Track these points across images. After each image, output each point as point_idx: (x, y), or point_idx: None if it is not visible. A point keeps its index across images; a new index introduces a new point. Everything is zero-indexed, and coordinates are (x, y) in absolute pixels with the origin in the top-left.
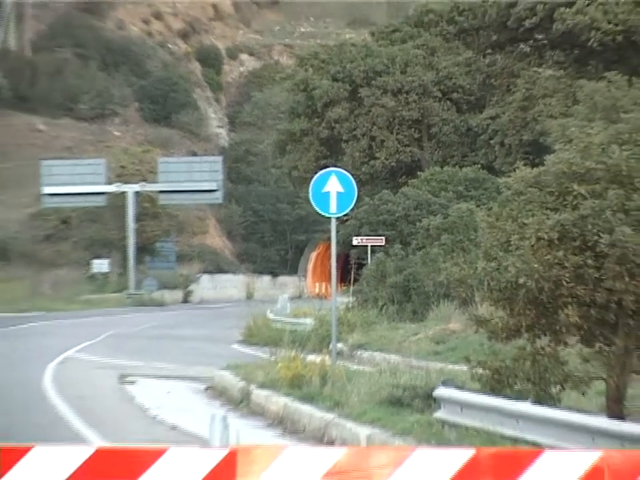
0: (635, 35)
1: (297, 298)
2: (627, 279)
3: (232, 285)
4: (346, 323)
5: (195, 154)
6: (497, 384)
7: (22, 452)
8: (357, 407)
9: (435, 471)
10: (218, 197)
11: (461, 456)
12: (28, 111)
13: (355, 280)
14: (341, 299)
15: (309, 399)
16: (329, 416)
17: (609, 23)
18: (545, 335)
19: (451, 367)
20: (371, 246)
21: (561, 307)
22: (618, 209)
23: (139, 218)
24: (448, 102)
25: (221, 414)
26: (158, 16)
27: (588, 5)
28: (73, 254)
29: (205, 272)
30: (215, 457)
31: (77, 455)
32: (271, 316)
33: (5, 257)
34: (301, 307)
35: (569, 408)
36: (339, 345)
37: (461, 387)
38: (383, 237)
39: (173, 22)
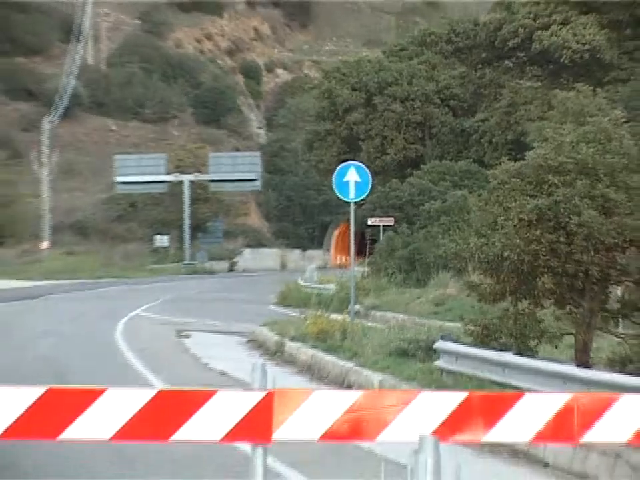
0: (599, 53)
1: (322, 268)
2: (592, 253)
3: (269, 257)
4: (362, 288)
5: (238, 150)
6: (485, 338)
7: (97, 393)
8: (371, 357)
9: (435, 410)
10: (257, 185)
11: (456, 398)
12: (103, 114)
13: (370, 253)
14: (358, 269)
15: (332, 350)
16: (348, 364)
17: (578, 43)
18: (525, 298)
19: (447, 324)
20: (383, 225)
21: (538, 276)
22: (585, 196)
23: (193, 202)
24: (446, 108)
25: (260, 362)
26: (209, 37)
27: (560, 28)
28: (139, 231)
29: (247, 246)
30: (255, 397)
31: (142, 396)
32: (301, 282)
33: (84, 233)
34: (325, 275)
35: (545, 358)
36: (357, 306)
37: (456, 341)
38: (393, 218)
39: (221, 42)
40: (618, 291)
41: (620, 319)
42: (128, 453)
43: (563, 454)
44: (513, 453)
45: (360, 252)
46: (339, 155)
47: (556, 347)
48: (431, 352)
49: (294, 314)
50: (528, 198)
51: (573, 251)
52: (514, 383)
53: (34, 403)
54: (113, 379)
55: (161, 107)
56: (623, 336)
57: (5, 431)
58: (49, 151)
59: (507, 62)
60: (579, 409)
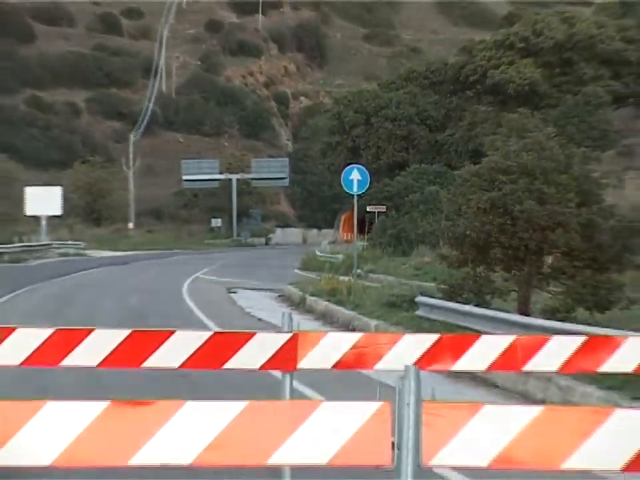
0: (536, 86)
1: (332, 242)
2: (530, 232)
3: (294, 234)
4: (362, 257)
5: (272, 156)
6: (452, 294)
7: (169, 334)
8: (369, 308)
9: (416, 347)
10: (286, 182)
11: (431, 338)
12: (173, 130)
13: (368, 232)
14: (359, 243)
15: (340, 303)
16: (352, 313)
17: (520, 79)
18: (481, 265)
19: (425, 284)
20: (378, 212)
21: (491, 248)
22: (525, 190)
23: (238, 194)
24: (423, 125)
25: (287, 311)
26: (251, 73)
27: (507, 67)
28: (199, 215)
29: (278, 226)
30: (284, 337)
31: (203, 337)
32: (317, 253)
33: (160, 217)
34: (335, 248)
35: (496, 309)
36: (358, 271)
37: (431, 296)
38: (385, 206)
39: (260, 77)
40: (549, 259)
41: (550, 280)
42: (192, 377)
43: (509, 379)
44: (472, 378)
45: (361, 231)
46: (345, 160)
47: (504, 301)
48: (413, 304)
49: (312, 276)
50: (484, 192)
51: (517, 230)
52: (473, 327)
53: (123, 341)
54: (180, 323)
55: (215, 124)
56: (552, 293)
57: (102, 361)
58: (133, 156)
59: (468, 92)
60: (521, 346)
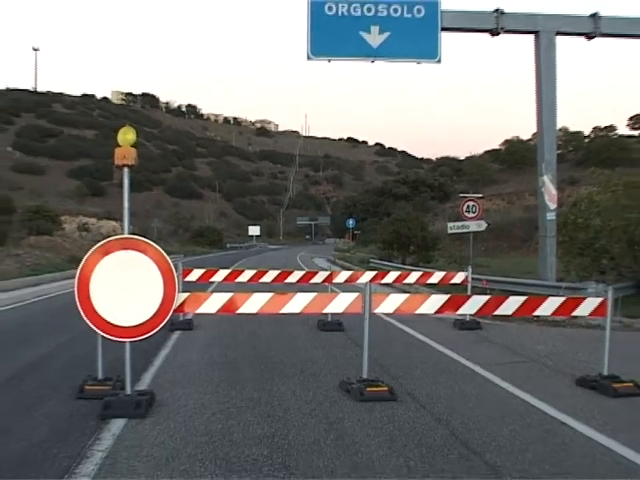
0: (407, 194)
1: (345, 242)
2: (405, 239)
3: (332, 240)
4: (353, 247)
5: (325, 216)
6: (381, 258)
7: (292, 271)
8: (355, 262)
9: (370, 275)
10: (329, 223)
11: (374, 272)
12: (294, 208)
13: (355, 239)
14: (352, 243)
15: (346, 261)
16: (350, 264)
17: (401, 191)
18: (390, 249)
19: (373, 255)
20: (358, 233)
21: (393, 244)
22: (403, 226)
23: (314, 228)
24: (371, 206)
25: (329, 264)
26: (318, 190)
27: (398, 188)
28: (302, 234)
29: (328, 237)
30: (328, 272)
31: (301, 273)
32: (339, 245)
33: (289, 235)
34: (345, 244)
35: (395, 262)
36: (352, 251)
37: (374, 259)
38: (360, 231)
39: (321, 191)
40: (412, 248)
41: (411, 253)
42: (300, 286)
43: (399, 286)
44: (389, 286)
45: (352, 238)
46: (347, 216)
47: (397, 259)
48: (368, 262)
49: (337, 253)
50: (391, 226)
51: (401, 239)
52: (386, 269)
53: (279, 275)
54: (296, 267)
55: (307, 207)
56: (412, 257)
57: (272, 280)
58: (281, 217)
59: (385, 195)
60: (405, 275)
